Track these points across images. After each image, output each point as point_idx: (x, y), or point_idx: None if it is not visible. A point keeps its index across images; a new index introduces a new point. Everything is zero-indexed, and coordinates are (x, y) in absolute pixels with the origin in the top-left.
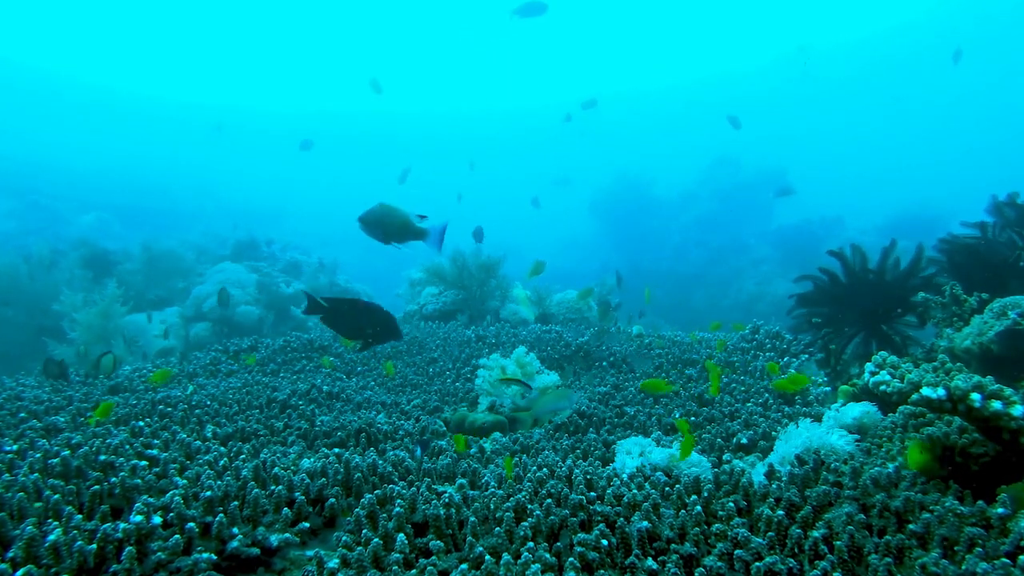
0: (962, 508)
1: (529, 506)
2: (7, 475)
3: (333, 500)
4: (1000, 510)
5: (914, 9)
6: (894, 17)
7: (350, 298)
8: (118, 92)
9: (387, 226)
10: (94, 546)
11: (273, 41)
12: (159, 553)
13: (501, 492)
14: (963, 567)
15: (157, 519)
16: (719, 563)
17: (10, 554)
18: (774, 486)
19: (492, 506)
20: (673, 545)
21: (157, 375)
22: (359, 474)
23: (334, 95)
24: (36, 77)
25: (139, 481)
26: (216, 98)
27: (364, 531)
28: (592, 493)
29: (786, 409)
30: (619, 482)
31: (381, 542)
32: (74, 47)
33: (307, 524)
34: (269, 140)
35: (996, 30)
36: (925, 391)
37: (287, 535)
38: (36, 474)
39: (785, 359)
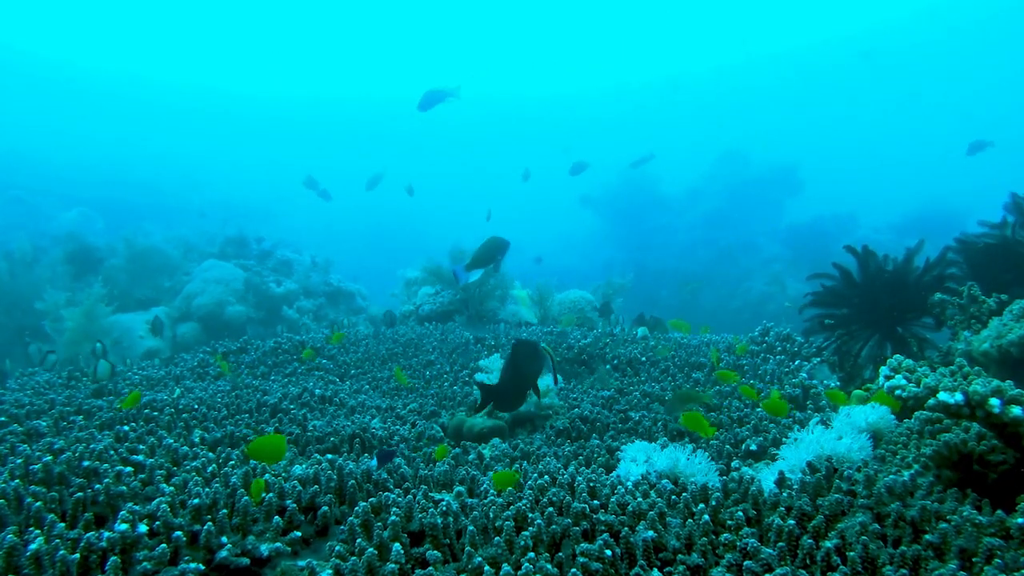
0: (980, 518)
1: (530, 515)
2: None
3: (326, 508)
4: (1020, 520)
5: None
6: (908, 8)
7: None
8: (101, 73)
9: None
10: (77, 555)
11: (264, 23)
12: (145, 563)
13: (501, 500)
14: None
15: (143, 527)
16: (727, 574)
17: None
18: (785, 494)
19: (491, 515)
20: (680, 556)
21: (128, 400)
22: (353, 481)
23: (331, 84)
24: (11, 58)
25: (124, 488)
26: (207, 82)
27: (358, 540)
28: (595, 501)
29: (797, 414)
30: (623, 490)
31: (376, 552)
32: (52, 24)
33: (299, 533)
34: (262, 133)
35: (1016, 22)
36: (942, 396)
37: (278, 544)
38: (17, 480)
39: (796, 362)
